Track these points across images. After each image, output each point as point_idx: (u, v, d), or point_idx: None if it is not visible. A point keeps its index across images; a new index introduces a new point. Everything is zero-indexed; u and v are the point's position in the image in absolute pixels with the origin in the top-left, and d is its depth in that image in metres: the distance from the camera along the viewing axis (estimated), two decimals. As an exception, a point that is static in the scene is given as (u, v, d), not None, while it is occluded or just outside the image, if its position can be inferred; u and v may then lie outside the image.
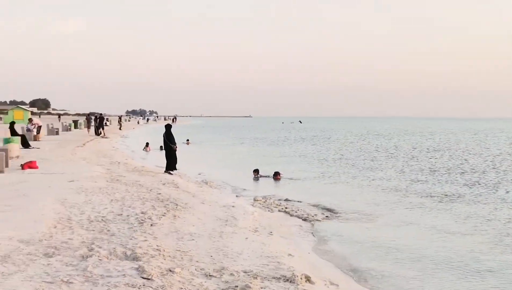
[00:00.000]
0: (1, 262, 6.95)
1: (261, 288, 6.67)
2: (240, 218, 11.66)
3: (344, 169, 25.26)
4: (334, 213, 13.61)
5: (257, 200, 14.95)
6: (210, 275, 7.02)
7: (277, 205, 14.39)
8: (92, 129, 49.22)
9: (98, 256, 7.38)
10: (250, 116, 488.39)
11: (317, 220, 12.63)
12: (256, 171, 21.76)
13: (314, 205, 14.61)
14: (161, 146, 29.48)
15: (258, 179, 20.96)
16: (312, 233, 11.43)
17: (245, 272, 7.26)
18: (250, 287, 6.53)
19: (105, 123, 55.38)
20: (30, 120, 37.31)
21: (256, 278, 7.00)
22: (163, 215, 10.85)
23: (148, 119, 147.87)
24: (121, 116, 79.28)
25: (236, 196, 15.91)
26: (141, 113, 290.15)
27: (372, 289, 7.93)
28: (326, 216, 13.10)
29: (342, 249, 10.16)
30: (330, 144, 47.75)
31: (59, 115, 78.27)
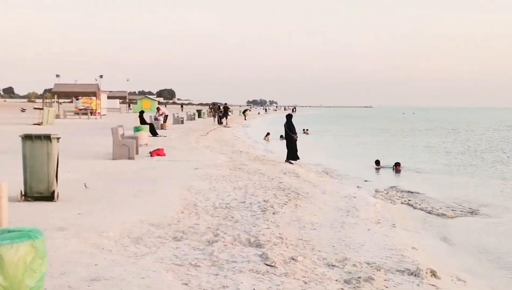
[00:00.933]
0: (134, 243, 7.34)
1: (385, 280, 6.56)
2: (361, 209, 11.52)
3: (472, 162, 24.22)
4: (461, 206, 13.09)
5: (379, 191, 14.71)
6: (332, 265, 7.01)
7: (399, 197, 14.07)
8: (218, 118, 50.68)
9: (223, 242, 7.59)
10: (370, 106, 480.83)
11: (443, 213, 12.21)
12: (377, 162, 21.42)
13: (439, 198, 14.13)
14: (281, 136, 29.79)
15: (379, 170, 20.63)
16: (437, 226, 11.06)
17: (368, 263, 7.18)
18: (373, 279, 6.44)
19: (228, 113, 56.68)
20: (158, 109, 38.99)
21: (379, 270, 6.90)
22: (285, 204, 10.95)
23: (266, 110, 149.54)
24: (246, 108, 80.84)
25: (357, 187, 15.73)
26: (261, 103, 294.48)
27: None
28: (452, 210, 12.63)
29: (469, 244, 9.76)
30: (456, 135, 45.95)
31: (182, 105, 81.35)
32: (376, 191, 14.84)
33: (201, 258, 6.77)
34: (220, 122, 49.48)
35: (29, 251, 3.69)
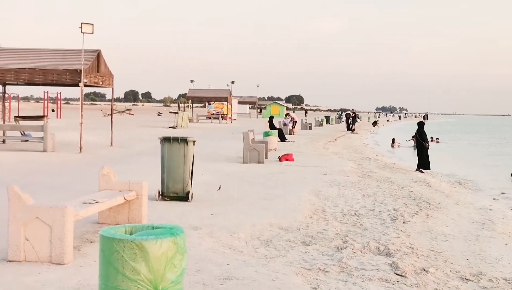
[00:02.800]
0: (264, 245, 7.51)
1: (524, 298, 6.22)
2: (498, 222, 10.96)
3: None
4: None
5: (517, 205, 13.91)
6: (466, 279, 6.74)
7: (540, 211, 13.22)
8: (347, 125, 50.40)
9: (352, 249, 7.55)
10: (508, 115, 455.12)
11: None
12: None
13: None
14: (413, 143, 28.98)
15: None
16: None
17: (505, 279, 6.82)
18: (511, 296, 6.12)
19: (356, 119, 56.17)
20: (287, 114, 39.45)
21: (518, 287, 6.54)
22: (416, 214, 10.68)
23: (400, 117, 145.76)
24: (376, 120, 79.58)
25: (494, 199, 14.98)
26: (391, 110, 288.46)
27: None
28: None
29: None
30: None
31: (306, 111, 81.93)
32: (515, 204, 14.05)
33: (330, 263, 6.79)
34: (349, 128, 49.13)
35: (171, 247, 3.91)
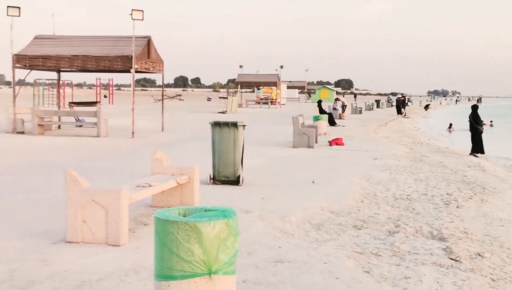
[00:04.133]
0: (316, 229, 7.51)
1: None
2: (557, 207, 10.64)
3: None
4: None
5: None
6: (523, 265, 6.59)
7: None
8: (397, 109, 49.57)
9: (405, 233, 7.47)
10: None
11: None
12: None
13: None
14: (471, 126, 28.35)
15: None
16: None
17: None
18: None
19: (407, 103, 55.24)
20: (337, 99, 39.16)
21: None
22: (470, 198, 10.48)
23: (457, 101, 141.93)
24: (428, 104, 78.28)
25: (552, 183, 14.53)
26: (443, 94, 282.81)
27: None
28: None
29: None
30: None
31: (355, 95, 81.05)
32: None
33: (382, 247, 6.74)
34: (399, 112, 48.36)
35: (224, 229, 3.94)
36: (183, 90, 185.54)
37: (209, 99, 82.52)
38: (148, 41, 20.60)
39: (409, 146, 20.27)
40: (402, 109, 48.89)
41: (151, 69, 21.18)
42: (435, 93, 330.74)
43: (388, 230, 7.62)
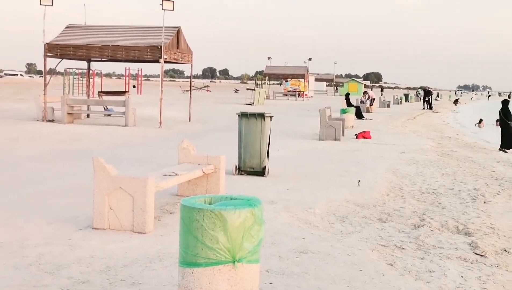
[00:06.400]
0: (340, 221, 7.51)
1: None
2: None
3: None
4: None
5: None
6: (550, 261, 6.52)
7: None
8: (424, 103, 48.98)
9: (430, 227, 7.43)
10: None
11: None
12: None
13: None
14: (497, 120, 28.04)
15: None
16: None
17: None
18: None
19: (433, 97, 54.45)
20: (365, 92, 38.92)
21: None
22: (498, 194, 10.36)
23: (489, 96, 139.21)
24: (457, 98, 77.53)
25: None
26: (473, 88, 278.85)
27: None
28: None
29: None
30: None
31: (382, 88, 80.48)
32: None
33: (407, 241, 6.72)
34: (429, 107, 47.75)
35: (249, 218, 3.98)
36: (211, 81, 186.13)
37: (236, 91, 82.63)
38: (178, 32, 20.71)
39: (437, 141, 20.09)
40: (425, 103, 48.05)
41: (180, 59, 21.30)
42: (465, 87, 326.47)
43: (413, 224, 7.59)
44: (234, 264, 3.95)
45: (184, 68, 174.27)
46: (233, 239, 3.93)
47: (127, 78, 52.53)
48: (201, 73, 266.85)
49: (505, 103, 19.86)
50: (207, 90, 74.87)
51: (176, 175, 7.27)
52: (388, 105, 46.86)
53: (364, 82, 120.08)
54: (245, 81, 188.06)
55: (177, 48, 20.83)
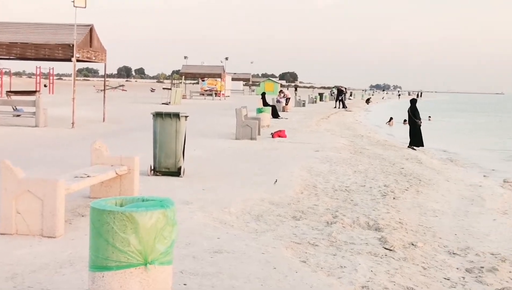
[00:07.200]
0: (255, 220, 7.57)
1: (510, 272, 6.32)
2: (487, 198, 11.08)
3: None
4: None
5: (508, 182, 14.02)
6: (453, 253, 6.85)
7: (530, 188, 13.35)
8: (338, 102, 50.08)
9: (342, 224, 7.63)
10: (502, 93, 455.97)
11: None
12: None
13: None
14: (404, 120, 29.12)
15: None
16: None
17: (492, 254, 6.93)
18: (497, 270, 6.23)
19: (346, 96, 55.76)
20: (281, 92, 39.42)
21: (504, 261, 6.64)
22: (406, 190, 10.78)
23: (399, 95, 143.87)
24: (369, 97, 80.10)
25: (484, 175, 15.09)
26: (384, 88, 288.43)
27: None
28: None
29: None
30: None
31: (296, 88, 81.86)
32: (505, 181, 14.15)
33: (320, 238, 6.86)
34: (343, 106, 48.90)
35: (161, 219, 3.95)
36: (126, 81, 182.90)
37: (152, 90, 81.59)
38: (91, 30, 20.21)
39: (349, 139, 20.64)
40: (338, 102, 49.14)
41: (93, 58, 20.80)
42: (377, 87, 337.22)
43: (326, 221, 7.76)
44: (146, 267, 3.91)
45: (99, 67, 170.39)
46: (145, 241, 3.88)
47: (38, 77, 50.75)
48: (116, 72, 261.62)
49: (413, 102, 20.62)
50: (122, 90, 73.52)
51: (88, 176, 7.10)
52: (304, 104, 47.68)
53: (280, 81, 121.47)
54: (162, 80, 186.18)
55: (90, 47, 20.32)
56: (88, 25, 20.20)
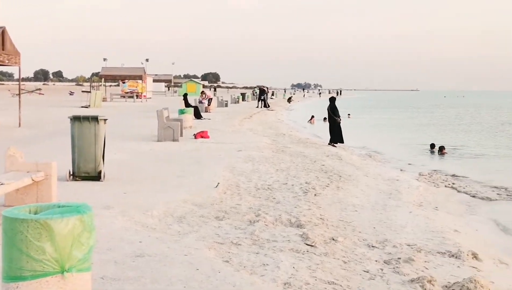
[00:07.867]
0: (178, 222, 7.53)
1: (425, 261, 6.59)
2: (404, 192, 11.49)
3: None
4: (507, 190, 12.87)
5: (423, 175, 14.60)
6: (372, 246, 7.06)
7: (443, 180, 13.95)
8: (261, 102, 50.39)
9: (265, 222, 7.70)
10: (416, 90, 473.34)
11: (488, 197, 12.06)
12: (432, 145, 21.22)
13: (484, 182, 13.94)
14: (324, 118, 29.73)
15: (433, 153, 20.49)
16: (481, 210, 10.95)
17: (408, 245, 7.20)
18: (413, 260, 6.47)
19: (268, 96, 56.23)
20: (203, 92, 39.32)
21: (419, 251, 6.91)
22: (327, 186, 11.01)
23: (320, 94, 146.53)
24: (291, 96, 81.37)
25: (401, 170, 15.64)
26: (305, 87, 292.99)
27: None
28: (498, 194, 12.46)
29: (514, 228, 9.63)
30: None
31: (215, 88, 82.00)
32: (420, 174, 14.74)
33: (242, 237, 6.91)
34: (265, 105, 49.29)
35: (78, 225, 3.85)
36: (43, 84, 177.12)
37: (71, 93, 79.42)
38: (3, 32, 19.46)
39: (272, 138, 20.86)
40: (261, 102, 49.52)
41: (6, 61, 20.05)
42: (298, 86, 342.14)
43: (248, 220, 7.81)
44: (63, 274, 3.81)
45: (14, 70, 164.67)
46: (61, 248, 3.78)
47: None
48: (32, 76, 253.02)
49: (332, 100, 21.08)
50: (40, 93, 71.17)
51: (1, 184, 6.85)
52: (226, 105, 47.74)
53: (202, 82, 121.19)
54: (81, 83, 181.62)
55: (3, 50, 19.57)
56: (0, 28, 19.46)
